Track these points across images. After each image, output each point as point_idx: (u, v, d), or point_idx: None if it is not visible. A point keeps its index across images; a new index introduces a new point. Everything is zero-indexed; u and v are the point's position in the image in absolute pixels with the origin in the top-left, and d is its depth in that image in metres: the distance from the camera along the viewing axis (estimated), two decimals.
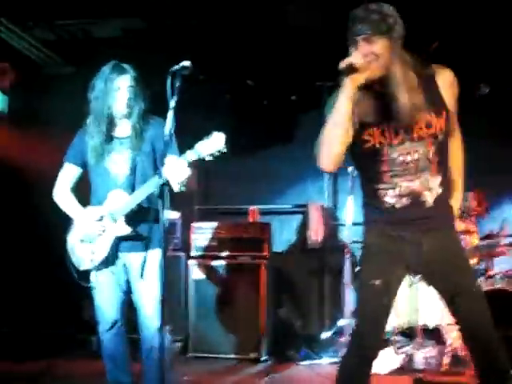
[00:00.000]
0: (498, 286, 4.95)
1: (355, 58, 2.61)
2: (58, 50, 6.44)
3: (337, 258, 6.50)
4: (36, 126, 6.89)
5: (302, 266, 6.88)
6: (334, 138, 2.67)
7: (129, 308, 3.71)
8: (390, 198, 2.79)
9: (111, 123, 3.58)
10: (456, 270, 2.79)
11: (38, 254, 6.73)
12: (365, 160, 2.85)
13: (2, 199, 7.14)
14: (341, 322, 5.86)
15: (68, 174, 3.73)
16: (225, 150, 3.23)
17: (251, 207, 6.57)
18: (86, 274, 3.62)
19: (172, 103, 2.93)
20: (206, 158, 3.25)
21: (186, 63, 2.96)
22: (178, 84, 2.93)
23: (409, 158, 2.74)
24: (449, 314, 5.00)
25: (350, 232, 5.85)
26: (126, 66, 3.59)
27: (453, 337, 5.05)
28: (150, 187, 3.34)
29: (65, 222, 3.69)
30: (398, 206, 2.78)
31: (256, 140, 6.87)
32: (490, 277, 5.07)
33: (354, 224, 5.89)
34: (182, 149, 3.57)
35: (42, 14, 5.57)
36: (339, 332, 5.87)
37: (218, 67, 6.33)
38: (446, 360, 5.04)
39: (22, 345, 6.10)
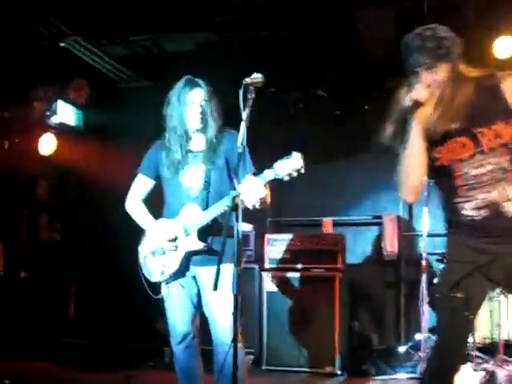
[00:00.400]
0: None
1: (419, 93, 2.61)
2: (132, 66, 6.59)
3: (413, 269, 6.37)
4: (110, 139, 7.08)
5: (378, 278, 6.77)
6: (411, 174, 2.75)
7: (203, 320, 3.71)
8: (468, 211, 2.74)
9: (186, 137, 3.61)
10: None
11: (113, 265, 6.88)
12: (439, 176, 2.85)
13: (81, 211, 7.36)
14: (418, 336, 5.73)
15: (141, 185, 3.77)
16: (302, 171, 3.20)
17: (325, 219, 6.51)
18: (157, 286, 3.64)
19: (244, 115, 2.92)
20: (285, 179, 3.23)
21: (258, 75, 2.95)
22: (250, 96, 2.92)
23: (482, 171, 2.68)
24: None
25: (427, 243, 5.71)
26: (199, 80, 3.60)
27: None
28: (225, 203, 3.32)
29: (138, 232, 3.74)
30: (477, 218, 2.72)
31: (329, 151, 6.82)
32: None
33: (430, 235, 5.76)
34: (255, 161, 3.57)
35: (117, 31, 5.70)
36: (416, 346, 5.73)
37: (290, 78, 6.33)
38: None
39: (98, 356, 6.22)
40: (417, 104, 2.61)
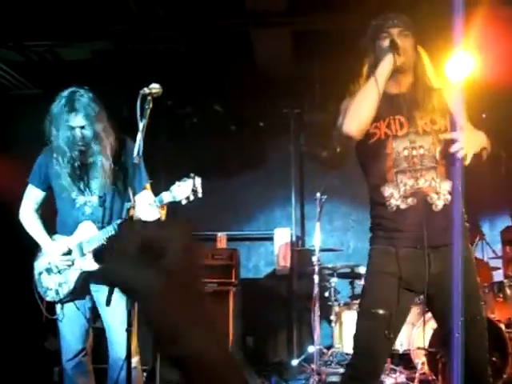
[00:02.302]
0: None
1: (397, 38, 2.76)
2: (26, 72, 6.36)
3: (305, 284, 6.48)
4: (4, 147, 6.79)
5: (271, 292, 6.84)
6: (367, 104, 2.72)
7: (95, 337, 3.63)
8: (395, 199, 2.72)
9: (74, 153, 3.39)
10: (464, 297, 2.58)
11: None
12: (370, 156, 2.83)
13: None
14: (310, 349, 5.82)
15: (32, 196, 3.62)
16: (200, 195, 3.18)
17: (219, 233, 6.53)
18: (52, 305, 3.53)
19: (141, 126, 2.88)
20: (182, 202, 3.20)
21: (156, 85, 2.93)
22: (147, 106, 2.89)
23: (413, 153, 2.73)
24: (417, 339, 5.09)
25: (319, 258, 5.83)
26: (79, 102, 3.35)
27: (422, 361, 5.04)
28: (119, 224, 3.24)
29: (30, 248, 3.59)
30: (403, 206, 2.70)
31: (223, 166, 6.85)
32: None
33: (322, 250, 5.90)
34: (150, 175, 3.53)
35: (10, 36, 5.49)
36: (309, 359, 5.83)
37: (186, 92, 6.32)
38: None
39: None
40: (394, 46, 2.72)
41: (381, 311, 2.62)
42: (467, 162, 2.65)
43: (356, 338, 2.74)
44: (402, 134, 2.75)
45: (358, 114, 2.73)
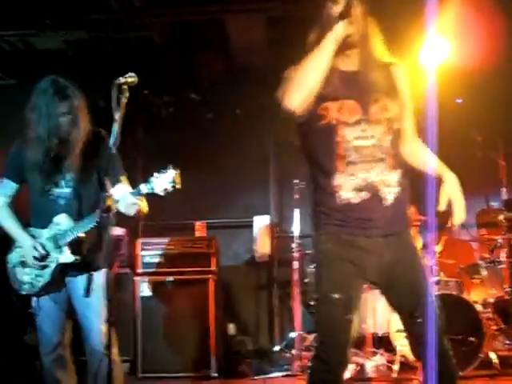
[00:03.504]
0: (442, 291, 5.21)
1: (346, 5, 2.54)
2: None
3: (285, 270, 6.51)
4: None
5: (251, 279, 6.86)
6: (311, 77, 2.50)
7: (75, 329, 3.60)
8: (346, 192, 2.57)
9: (52, 143, 3.38)
10: (416, 283, 2.60)
11: None
12: (319, 141, 2.64)
13: None
14: (292, 335, 5.86)
15: (6, 190, 3.57)
16: (178, 186, 3.17)
17: (198, 222, 6.52)
18: (27, 299, 3.49)
19: (117, 116, 2.86)
20: (160, 194, 3.19)
21: (131, 74, 2.90)
22: (122, 96, 2.86)
23: (364, 143, 2.56)
24: (396, 321, 5.14)
25: (298, 244, 5.86)
26: (68, 88, 3.36)
27: (401, 344, 5.10)
28: (97, 216, 3.23)
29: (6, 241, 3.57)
30: (354, 201, 2.57)
31: (201, 154, 6.83)
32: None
33: (301, 236, 5.92)
34: (128, 164, 3.51)
35: None
36: (290, 345, 5.86)
37: (163, 81, 6.29)
38: (396, 367, 5.08)
39: None
40: (343, 14, 2.51)
41: (339, 295, 2.55)
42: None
43: (319, 326, 2.67)
44: (353, 122, 2.57)
45: (302, 86, 2.50)
